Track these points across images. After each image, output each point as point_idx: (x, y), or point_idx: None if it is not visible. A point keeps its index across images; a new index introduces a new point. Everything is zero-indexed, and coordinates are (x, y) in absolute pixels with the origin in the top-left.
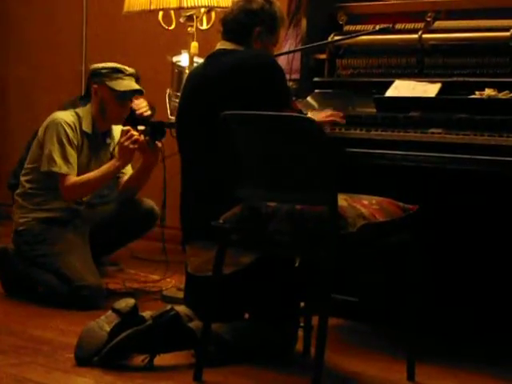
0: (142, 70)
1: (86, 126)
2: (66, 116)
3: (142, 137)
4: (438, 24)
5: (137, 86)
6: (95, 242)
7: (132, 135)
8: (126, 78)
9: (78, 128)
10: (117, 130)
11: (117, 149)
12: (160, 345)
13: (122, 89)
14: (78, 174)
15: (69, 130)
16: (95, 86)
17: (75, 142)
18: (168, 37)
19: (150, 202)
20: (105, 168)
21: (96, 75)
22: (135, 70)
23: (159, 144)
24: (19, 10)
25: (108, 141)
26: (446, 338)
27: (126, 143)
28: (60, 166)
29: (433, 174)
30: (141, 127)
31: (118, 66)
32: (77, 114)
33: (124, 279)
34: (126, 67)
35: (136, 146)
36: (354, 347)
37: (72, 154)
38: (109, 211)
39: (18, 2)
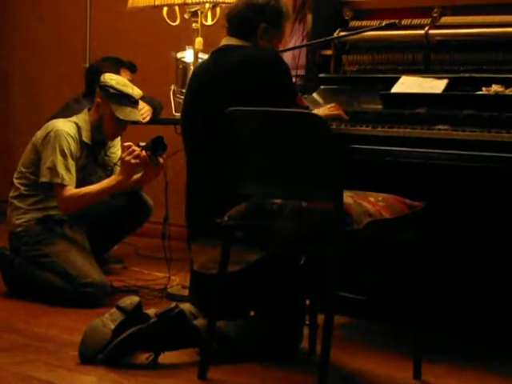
0: (146, 66)
1: (86, 137)
2: (67, 128)
3: (144, 152)
4: (444, 20)
5: (137, 118)
6: (92, 238)
7: (133, 150)
8: (131, 105)
9: (78, 140)
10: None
11: (119, 163)
12: (164, 342)
13: (122, 117)
14: (77, 180)
15: (71, 142)
16: (99, 99)
17: (76, 154)
18: (172, 33)
19: (143, 195)
20: (106, 182)
21: (103, 90)
22: (136, 64)
23: (161, 159)
24: (23, 6)
25: (103, 153)
26: (452, 336)
27: (128, 158)
28: (62, 178)
29: (440, 170)
30: (142, 143)
31: (127, 90)
32: (76, 124)
33: (128, 277)
34: (134, 92)
35: (138, 161)
36: (359, 345)
37: (73, 165)
38: (103, 207)
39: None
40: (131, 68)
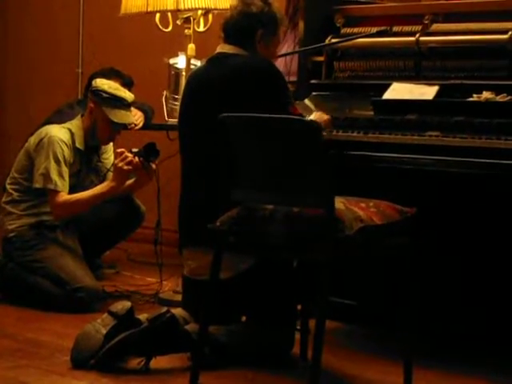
0: (138, 72)
1: (79, 143)
2: (61, 134)
3: (136, 158)
4: (435, 27)
5: (131, 120)
6: (84, 243)
7: (126, 157)
8: (124, 108)
9: (71, 146)
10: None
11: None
12: (156, 347)
13: (117, 120)
14: (70, 186)
15: (65, 148)
16: (92, 104)
17: (69, 160)
18: (165, 39)
19: (136, 200)
20: (98, 188)
21: (96, 95)
22: (131, 77)
23: (153, 165)
24: (16, 11)
25: (96, 158)
26: (443, 341)
27: (120, 164)
28: (56, 184)
29: (430, 176)
30: (135, 149)
31: (120, 94)
32: (70, 130)
33: (120, 282)
34: (127, 95)
35: (130, 168)
36: (351, 350)
37: (66, 172)
38: (95, 212)
39: (15, 3)
40: (128, 84)
